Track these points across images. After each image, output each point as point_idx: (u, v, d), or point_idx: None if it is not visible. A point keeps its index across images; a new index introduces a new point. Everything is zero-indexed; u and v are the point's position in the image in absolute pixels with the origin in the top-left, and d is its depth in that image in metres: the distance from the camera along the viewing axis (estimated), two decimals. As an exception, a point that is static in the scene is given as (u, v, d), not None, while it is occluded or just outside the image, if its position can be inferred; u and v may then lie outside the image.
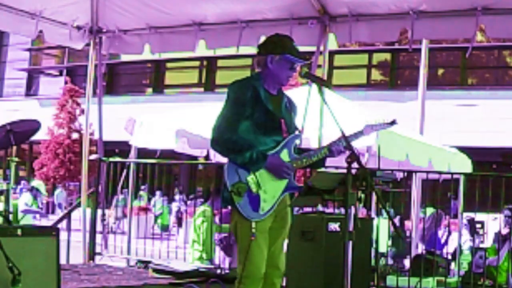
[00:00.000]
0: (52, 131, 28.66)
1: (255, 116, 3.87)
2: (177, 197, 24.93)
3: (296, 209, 6.62)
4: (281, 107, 4.00)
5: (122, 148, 11.64)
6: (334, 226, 5.62)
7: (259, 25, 7.30)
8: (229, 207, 3.90)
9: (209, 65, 32.61)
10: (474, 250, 8.24)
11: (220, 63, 32.09)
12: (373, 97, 25.71)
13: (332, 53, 22.33)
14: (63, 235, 5.47)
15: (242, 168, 3.82)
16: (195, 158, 10.22)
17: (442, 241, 10.76)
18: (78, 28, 8.12)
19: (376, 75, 29.82)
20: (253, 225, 3.78)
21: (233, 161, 3.85)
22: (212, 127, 3.90)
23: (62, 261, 5.40)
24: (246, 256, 3.79)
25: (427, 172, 8.28)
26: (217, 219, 8.81)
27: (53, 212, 26.56)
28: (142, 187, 16.72)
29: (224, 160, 4.00)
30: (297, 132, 4.03)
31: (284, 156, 3.91)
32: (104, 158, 8.20)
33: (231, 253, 8.53)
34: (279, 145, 3.91)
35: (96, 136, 9.01)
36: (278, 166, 3.85)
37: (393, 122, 4.03)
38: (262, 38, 7.19)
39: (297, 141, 4.01)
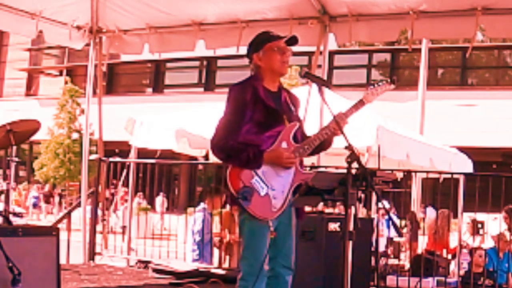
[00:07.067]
0: (52, 131, 28.67)
1: (256, 117, 3.84)
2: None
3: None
4: (281, 102, 3.98)
5: (122, 148, 11.64)
6: (334, 226, 5.61)
7: (259, 25, 7.29)
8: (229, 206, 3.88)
9: (209, 65, 32.61)
10: (474, 250, 8.22)
11: (220, 63, 32.08)
12: (373, 97, 25.68)
13: (332, 53, 22.39)
14: (63, 235, 5.47)
15: (244, 172, 3.78)
16: (195, 158, 10.21)
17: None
18: (78, 28, 8.13)
19: (376, 75, 29.80)
20: (270, 223, 3.76)
21: (233, 166, 3.81)
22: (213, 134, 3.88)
23: (62, 261, 5.39)
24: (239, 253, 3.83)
25: (427, 172, 8.28)
26: (216, 218, 8.81)
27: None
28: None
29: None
30: (296, 123, 3.96)
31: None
32: (104, 158, 8.20)
33: (231, 252, 8.53)
34: (276, 139, 3.85)
35: (96, 136, 9.00)
36: (277, 157, 3.80)
37: (393, 81, 3.92)
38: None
39: (295, 130, 3.90)
